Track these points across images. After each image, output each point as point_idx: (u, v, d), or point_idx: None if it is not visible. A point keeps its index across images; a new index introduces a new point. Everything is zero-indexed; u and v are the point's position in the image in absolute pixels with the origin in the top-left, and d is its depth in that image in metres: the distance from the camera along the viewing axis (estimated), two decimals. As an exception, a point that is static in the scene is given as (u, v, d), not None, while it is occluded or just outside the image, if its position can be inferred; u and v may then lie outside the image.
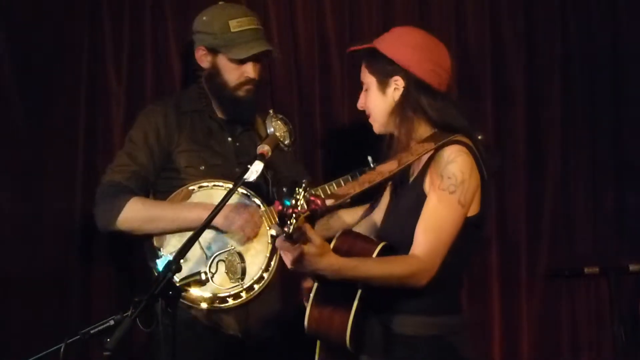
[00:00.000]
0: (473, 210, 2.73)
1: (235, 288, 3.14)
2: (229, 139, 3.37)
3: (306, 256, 2.48)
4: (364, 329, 2.73)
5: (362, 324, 2.70)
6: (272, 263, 3.20)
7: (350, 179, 3.27)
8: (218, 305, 3.15)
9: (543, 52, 4.22)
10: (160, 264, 2.83)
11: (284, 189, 2.42)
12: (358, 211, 3.28)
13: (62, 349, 2.56)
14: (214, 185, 3.24)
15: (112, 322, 2.57)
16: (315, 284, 2.73)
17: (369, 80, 2.87)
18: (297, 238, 2.41)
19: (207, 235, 3.13)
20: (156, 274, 3.11)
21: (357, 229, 3.00)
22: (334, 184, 3.27)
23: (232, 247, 3.14)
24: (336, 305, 2.69)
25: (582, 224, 4.26)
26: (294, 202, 2.33)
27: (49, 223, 3.59)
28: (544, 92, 4.22)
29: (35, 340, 3.13)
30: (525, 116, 4.18)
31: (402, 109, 2.80)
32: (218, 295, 3.14)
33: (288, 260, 2.51)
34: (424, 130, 2.81)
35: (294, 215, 2.35)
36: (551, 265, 4.19)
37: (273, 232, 3.12)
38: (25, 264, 3.56)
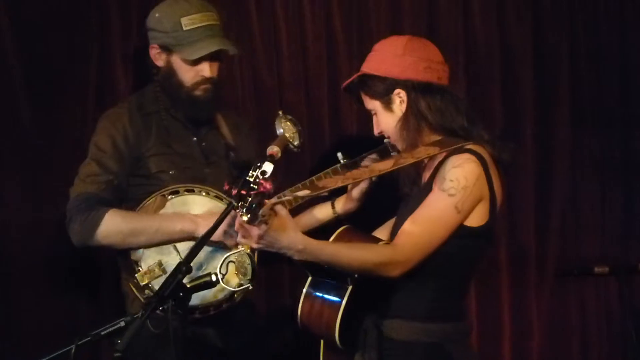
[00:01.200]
0: (479, 221, 2.72)
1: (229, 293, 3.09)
2: (194, 139, 3.28)
3: (270, 232, 2.48)
4: (358, 329, 2.73)
5: (355, 323, 2.71)
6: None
7: (323, 177, 3.21)
8: (199, 315, 3.08)
9: (551, 52, 4.21)
10: None
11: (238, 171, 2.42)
12: (330, 207, 3.29)
13: (72, 350, 2.54)
14: (186, 191, 3.15)
15: (122, 324, 2.57)
16: (310, 277, 2.74)
17: (372, 105, 2.86)
18: (252, 219, 2.40)
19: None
20: (135, 290, 3.07)
21: (378, 232, 3.00)
22: (307, 182, 3.18)
23: (242, 248, 3.11)
24: (327, 300, 2.71)
25: (591, 223, 4.25)
26: (242, 183, 2.36)
27: (57, 224, 3.58)
28: (553, 92, 4.22)
29: (46, 342, 3.14)
30: (533, 116, 4.18)
31: (406, 119, 2.79)
32: (200, 306, 3.06)
33: (253, 238, 2.51)
34: (433, 136, 2.80)
35: (245, 196, 2.35)
36: (560, 265, 4.18)
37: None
38: (35, 264, 3.56)
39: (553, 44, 4.21)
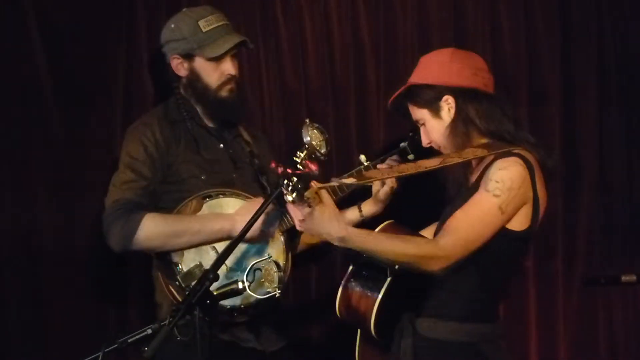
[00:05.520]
0: (520, 225, 2.73)
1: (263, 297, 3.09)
2: (221, 145, 3.33)
3: (313, 215, 2.52)
4: (394, 322, 2.75)
5: (392, 315, 2.74)
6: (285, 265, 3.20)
7: (371, 168, 3.25)
8: (235, 317, 3.11)
9: (579, 57, 4.17)
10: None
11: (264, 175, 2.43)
12: (357, 209, 3.32)
13: (99, 358, 2.55)
14: (219, 194, 3.19)
15: (149, 331, 2.57)
16: (350, 267, 2.77)
17: (420, 115, 2.89)
18: (297, 199, 2.43)
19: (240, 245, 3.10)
20: (176, 293, 3.08)
21: (425, 231, 3.02)
22: (355, 172, 3.22)
23: (269, 256, 3.12)
24: (365, 290, 2.76)
25: (619, 230, 4.21)
26: (290, 162, 2.44)
27: (85, 232, 3.61)
28: (580, 97, 4.18)
29: (73, 349, 3.16)
30: (561, 121, 4.14)
31: (455, 124, 2.82)
32: (235, 307, 3.08)
33: (297, 219, 2.57)
34: (481, 140, 2.83)
35: (291, 175, 2.39)
36: (588, 273, 4.15)
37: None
38: (62, 273, 3.59)
39: (581, 48, 4.15)
